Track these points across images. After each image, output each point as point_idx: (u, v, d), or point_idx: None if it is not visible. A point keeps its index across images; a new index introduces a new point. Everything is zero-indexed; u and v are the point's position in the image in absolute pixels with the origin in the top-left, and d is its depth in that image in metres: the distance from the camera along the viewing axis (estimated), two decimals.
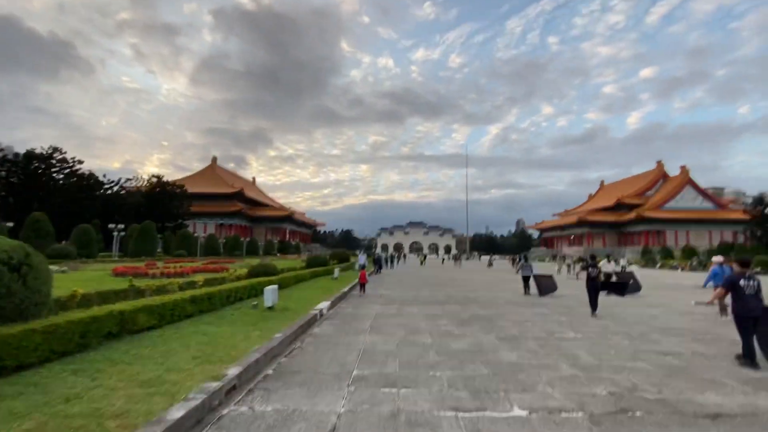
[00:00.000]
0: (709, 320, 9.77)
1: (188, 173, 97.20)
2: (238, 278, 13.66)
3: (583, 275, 10.60)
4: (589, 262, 10.68)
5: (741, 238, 67.78)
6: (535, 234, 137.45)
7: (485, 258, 71.99)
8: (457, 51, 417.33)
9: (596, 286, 10.37)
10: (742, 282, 5.89)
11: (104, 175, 52.58)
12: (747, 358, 5.78)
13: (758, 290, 5.90)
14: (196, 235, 51.36)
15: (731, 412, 4.02)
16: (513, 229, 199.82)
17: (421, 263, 52.13)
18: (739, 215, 70.44)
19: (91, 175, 49.50)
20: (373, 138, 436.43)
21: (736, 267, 6.36)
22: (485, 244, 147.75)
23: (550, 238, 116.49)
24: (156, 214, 52.15)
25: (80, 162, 49.09)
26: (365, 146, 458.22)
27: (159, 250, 44.75)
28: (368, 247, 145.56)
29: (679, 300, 14.00)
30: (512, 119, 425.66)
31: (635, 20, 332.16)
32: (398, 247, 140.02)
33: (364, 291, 15.19)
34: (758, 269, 33.60)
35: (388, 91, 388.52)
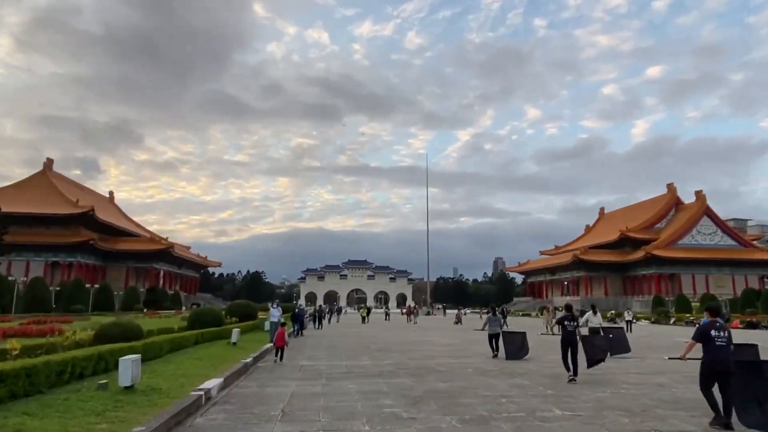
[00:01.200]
0: None
1: (5, 183, 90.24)
2: (79, 344, 12.76)
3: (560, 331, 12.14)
4: (565, 314, 12.04)
5: None
6: (519, 278, 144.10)
7: (452, 312, 73.64)
8: (416, 28, 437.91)
9: (573, 342, 11.62)
10: (712, 332, 7.13)
11: None
12: (715, 417, 6.92)
13: (729, 342, 7.16)
14: (11, 278, 47.03)
15: None
16: (490, 272, 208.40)
17: (364, 320, 51.99)
18: (766, 255, 79.62)
19: None
20: (296, 141, 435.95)
21: (707, 316, 7.52)
22: (453, 293, 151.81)
23: (537, 283, 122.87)
24: None
25: None
26: (285, 151, 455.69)
27: None
28: (287, 297, 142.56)
29: (692, 364, 15.37)
30: (487, 123, 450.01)
31: (639, 5, 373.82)
32: (331, 297, 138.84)
33: (281, 358, 15.83)
34: None
35: (320, 77, 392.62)
